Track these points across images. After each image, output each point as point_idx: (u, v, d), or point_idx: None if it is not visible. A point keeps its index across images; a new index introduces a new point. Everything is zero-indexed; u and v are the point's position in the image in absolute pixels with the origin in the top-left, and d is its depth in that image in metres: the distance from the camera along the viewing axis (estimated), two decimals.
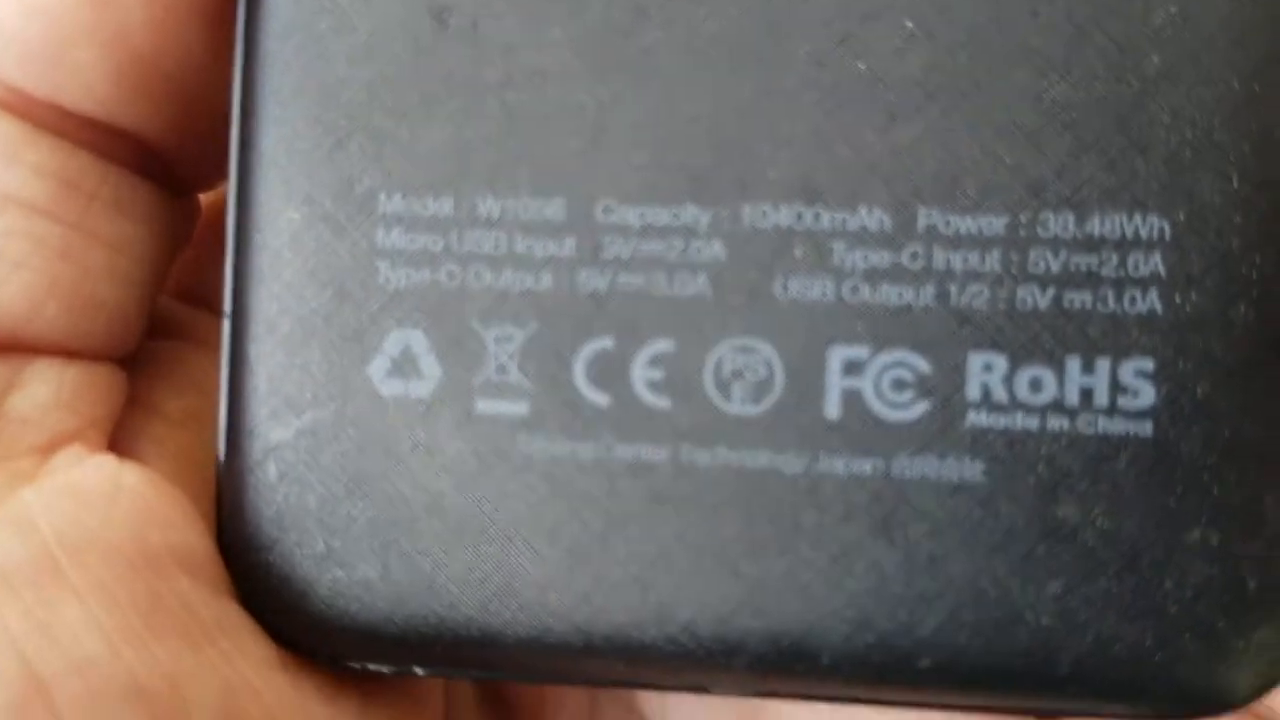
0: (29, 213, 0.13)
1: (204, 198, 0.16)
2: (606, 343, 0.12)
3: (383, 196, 0.12)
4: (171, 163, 0.14)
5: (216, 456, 0.13)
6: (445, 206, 0.12)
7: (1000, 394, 0.11)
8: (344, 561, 0.12)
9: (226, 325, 0.13)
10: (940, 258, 0.11)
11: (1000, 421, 0.11)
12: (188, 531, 0.12)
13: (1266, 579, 0.11)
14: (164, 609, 0.12)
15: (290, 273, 0.12)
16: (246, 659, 0.12)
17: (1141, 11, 0.11)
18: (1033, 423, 0.11)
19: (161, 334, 0.15)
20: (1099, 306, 0.11)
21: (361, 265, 0.12)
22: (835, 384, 0.12)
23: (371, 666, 0.13)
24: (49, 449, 0.12)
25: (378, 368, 0.12)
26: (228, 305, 0.13)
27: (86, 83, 0.13)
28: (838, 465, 0.12)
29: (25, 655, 0.11)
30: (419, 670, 0.13)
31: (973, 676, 0.12)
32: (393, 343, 0.12)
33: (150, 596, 0.12)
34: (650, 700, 0.16)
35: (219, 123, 0.13)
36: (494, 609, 0.12)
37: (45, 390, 0.13)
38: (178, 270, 0.16)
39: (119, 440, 0.13)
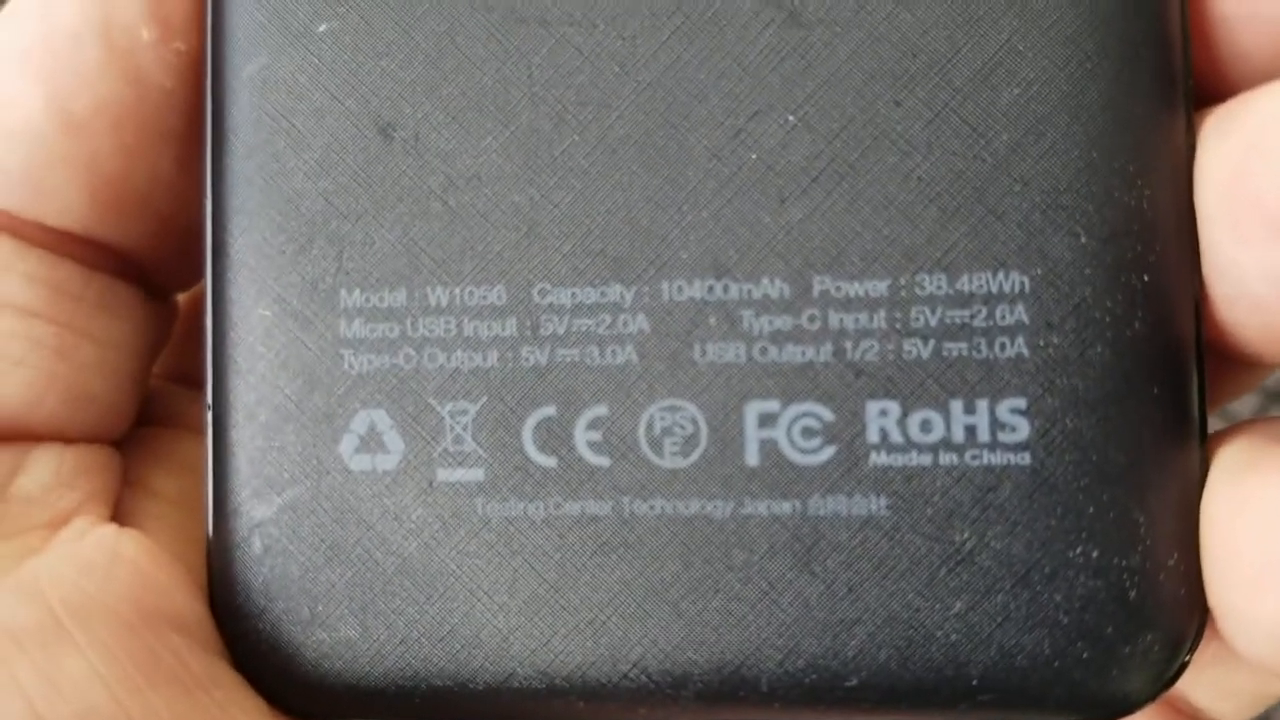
0: (24, 315, 0.14)
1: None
2: (550, 411, 0.13)
3: (344, 292, 0.14)
4: (148, 269, 0.15)
5: (206, 533, 0.14)
6: (399, 298, 0.14)
7: (896, 436, 0.13)
8: (327, 624, 0.14)
9: (208, 415, 0.14)
10: (834, 319, 0.13)
11: (898, 460, 0.13)
12: (180, 596, 0.14)
13: (1146, 589, 0.13)
14: (160, 664, 0.13)
15: (264, 365, 0.14)
16: (239, 707, 0.13)
17: (990, 96, 0.13)
18: (926, 459, 0.13)
19: (159, 419, 0.17)
20: (974, 353, 0.13)
21: (328, 355, 0.14)
22: (753, 435, 0.13)
23: None
24: (55, 524, 0.14)
25: (347, 446, 0.14)
26: (208, 397, 0.14)
27: (64, 203, 0.14)
28: (760, 508, 0.13)
29: (35, 706, 0.12)
30: None
31: (895, 692, 0.13)
32: (359, 422, 0.14)
33: (147, 652, 0.13)
34: None
35: (189, 231, 0.15)
36: (463, 659, 0.13)
37: (47, 472, 0.14)
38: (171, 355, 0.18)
39: (123, 518, 0.14)
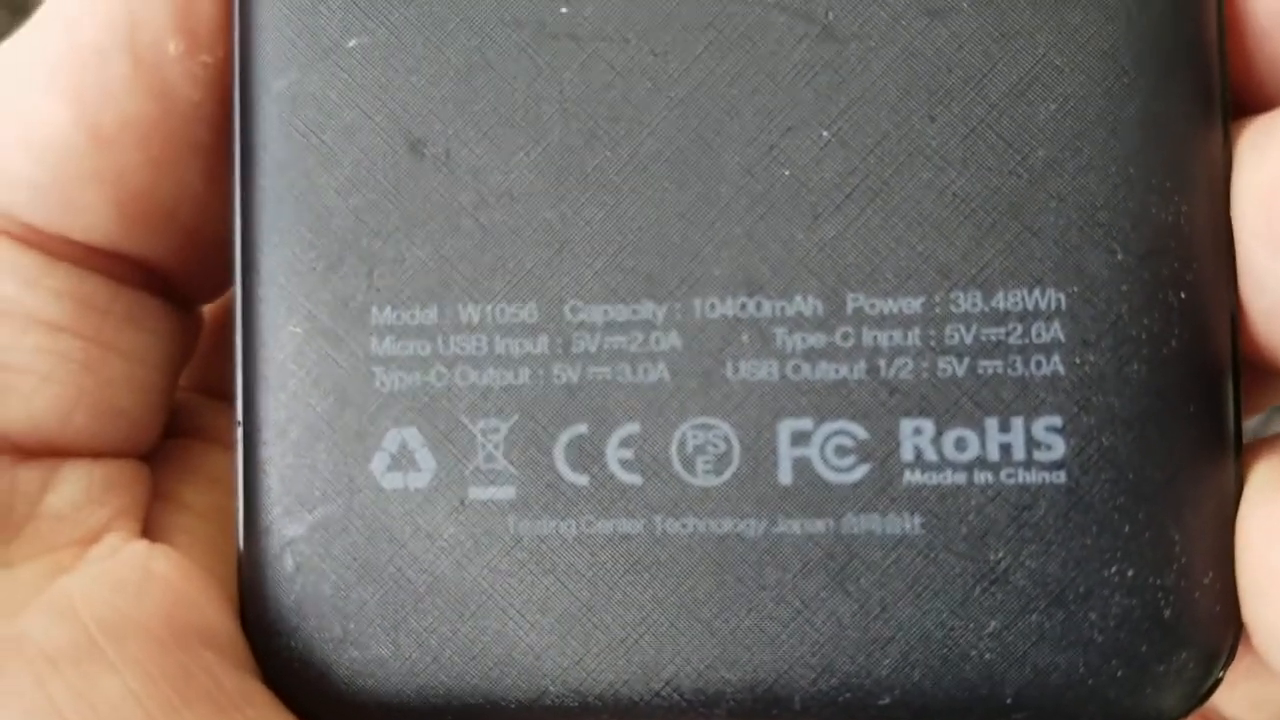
0: (52, 330, 0.14)
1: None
2: (581, 429, 0.13)
3: (374, 310, 0.14)
4: (174, 282, 0.16)
5: (237, 550, 0.14)
6: (431, 315, 0.14)
7: (930, 454, 0.13)
8: (359, 642, 0.14)
9: (239, 432, 0.14)
10: (868, 336, 0.13)
11: (933, 479, 0.13)
12: (213, 613, 0.14)
13: (1180, 607, 0.13)
14: (193, 682, 0.13)
15: (295, 382, 0.14)
16: None
17: (1025, 111, 0.13)
18: (961, 478, 0.13)
19: (186, 432, 0.17)
20: (1009, 371, 0.13)
21: (359, 372, 0.14)
22: (786, 454, 0.13)
23: None
24: (86, 541, 0.14)
25: (379, 464, 0.14)
26: (239, 414, 0.14)
27: (92, 218, 0.14)
28: (794, 526, 0.13)
29: None
30: None
31: (929, 710, 0.13)
32: (391, 440, 0.14)
33: (180, 670, 0.13)
34: None
35: (216, 244, 0.15)
36: (496, 677, 0.13)
37: (77, 489, 0.14)
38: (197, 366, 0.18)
39: (153, 532, 0.15)
